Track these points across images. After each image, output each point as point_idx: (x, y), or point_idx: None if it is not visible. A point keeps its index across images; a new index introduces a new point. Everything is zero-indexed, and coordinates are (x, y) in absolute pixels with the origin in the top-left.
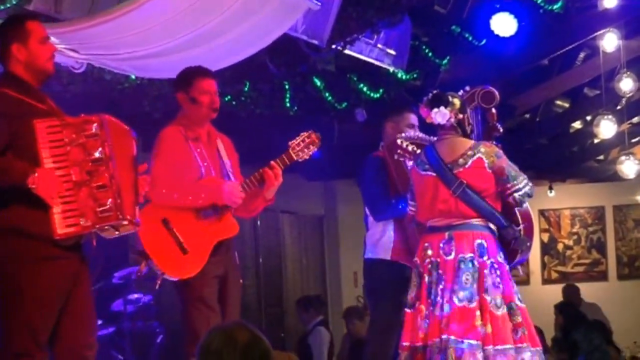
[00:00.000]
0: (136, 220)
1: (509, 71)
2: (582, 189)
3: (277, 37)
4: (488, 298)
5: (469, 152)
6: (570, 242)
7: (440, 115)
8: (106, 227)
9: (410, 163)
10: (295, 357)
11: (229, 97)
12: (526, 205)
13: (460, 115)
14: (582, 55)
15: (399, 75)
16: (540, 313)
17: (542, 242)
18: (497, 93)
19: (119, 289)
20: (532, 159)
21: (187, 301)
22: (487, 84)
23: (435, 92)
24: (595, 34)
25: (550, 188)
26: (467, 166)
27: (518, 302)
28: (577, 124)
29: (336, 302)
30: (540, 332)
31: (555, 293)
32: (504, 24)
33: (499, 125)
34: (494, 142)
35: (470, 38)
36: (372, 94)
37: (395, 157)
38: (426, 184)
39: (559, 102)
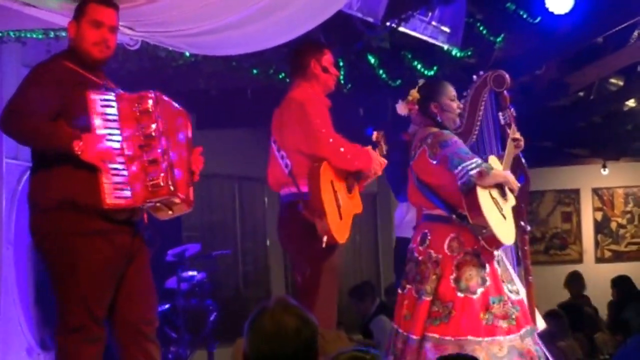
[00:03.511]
0: (190, 200)
1: (564, 49)
2: (636, 167)
3: (331, 15)
4: (411, 286)
5: (419, 144)
6: (624, 221)
7: (399, 108)
8: (158, 204)
9: None
10: (343, 334)
11: (283, 74)
12: (478, 192)
13: (424, 107)
14: (636, 33)
15: (453, 52)
16: (594, 292)
17: (595, 220)
18: (507, 76)
19: (172, 266)
20: (586, 137)
21: (324, 269)
22: (542, 62)
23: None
24: None
25: (604, 166)
26: (415, 158)
27: (457, 293)
28: (631, 102)
29: (389, 280)
30: (595, 310)
31: (608, 272)
32: (559, 1)
33: (512, 109)
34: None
35: (525, 15)
36: (426, 72)
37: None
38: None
39: (613, 80)
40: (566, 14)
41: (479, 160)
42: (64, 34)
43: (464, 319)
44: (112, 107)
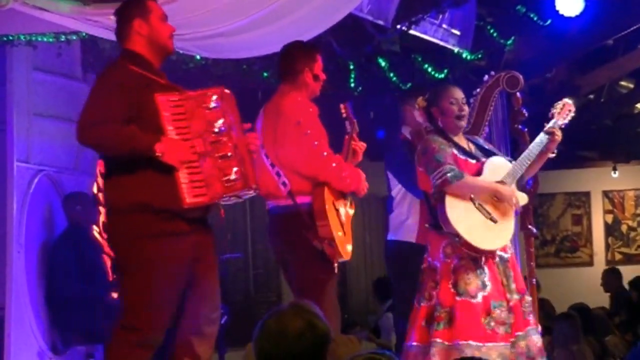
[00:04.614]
0: (257, 184)
1: (574, 51)
2: None
3: (342, 17)
4: (416, 296)
5: None
6: (634, 224)
7: (416, 117)
8: (232, 197)
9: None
10: (355, 340)
11: None
12: (447, 200)
13: (428, 112)
14: None
15: (464, 55)
16: (605, 294)
17: (605, 223)
18: (521, 77)
19: None
20: (596, 140)
21: (329, 282)
22: (552, 64)
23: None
24: None
25: (614, 169)
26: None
27: (456, 297)
28: None
29: None
30: (607, 313)
31: None
32: (569, 4)
33: (524, 110)
34: (520, 127)
35: (536, 18)
36: (436, 75)
37: None
38: None
39: (623, 83)
40: (576, 17)
41: (447, 168)
42: (74, 37)
43: (464, 322)
44: (181, 106)
